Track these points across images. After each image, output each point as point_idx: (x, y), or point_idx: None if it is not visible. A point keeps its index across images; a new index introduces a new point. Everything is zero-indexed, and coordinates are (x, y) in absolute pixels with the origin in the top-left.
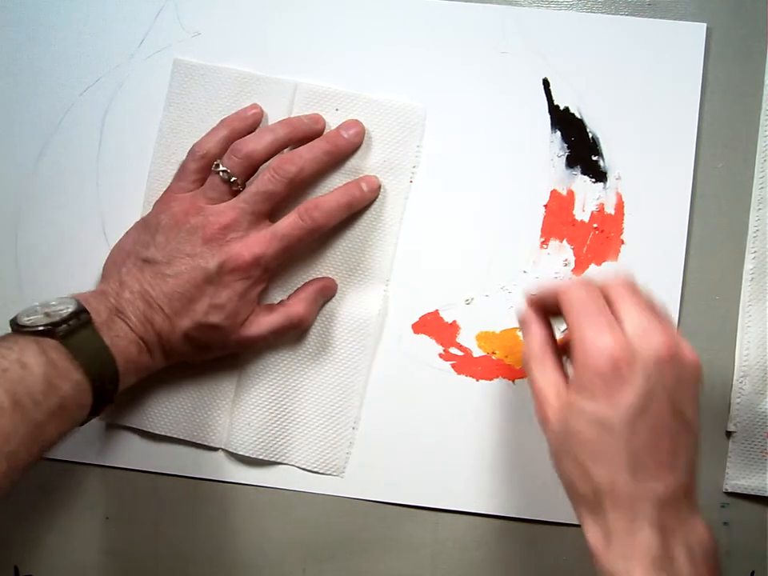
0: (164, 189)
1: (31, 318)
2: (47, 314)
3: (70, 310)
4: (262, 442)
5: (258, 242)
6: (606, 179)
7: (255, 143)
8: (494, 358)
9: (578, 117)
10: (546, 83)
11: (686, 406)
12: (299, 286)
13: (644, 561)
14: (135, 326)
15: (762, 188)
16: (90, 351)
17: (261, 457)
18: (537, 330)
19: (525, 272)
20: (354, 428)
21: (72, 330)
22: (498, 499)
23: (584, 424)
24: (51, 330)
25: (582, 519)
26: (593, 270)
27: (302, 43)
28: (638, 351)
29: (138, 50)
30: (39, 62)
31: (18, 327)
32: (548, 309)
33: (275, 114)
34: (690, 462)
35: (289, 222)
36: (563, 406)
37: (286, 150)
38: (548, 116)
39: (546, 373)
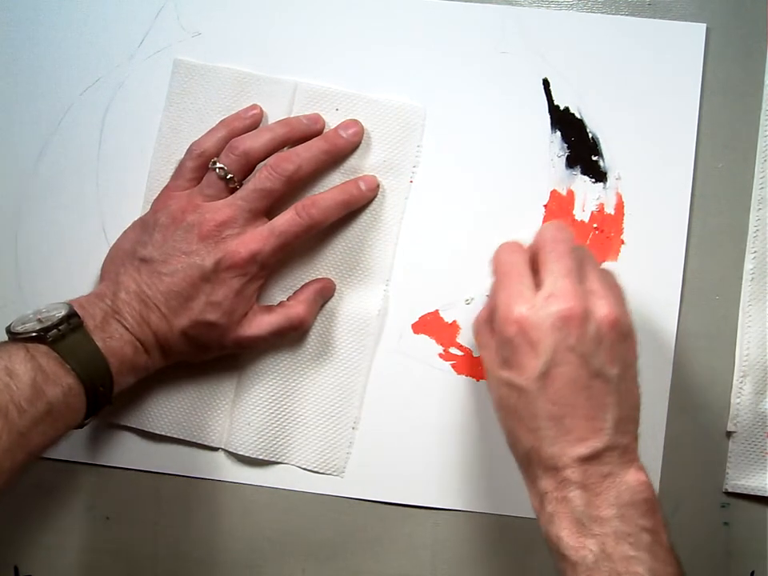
0: None
1: (25, 325)
2: (40, 320)
3: (61, 315)
4: (262, 441)
5: (254, 239)
6: (605, 179)
7: (253, 141)
8: None
9: (578, 117)
10: (545, 83)
11: (602, 362)
12: (299, 285)
13: (570, 523)
14: (131, 326)
15: (762, 188)
16: (80, 354)
17: (261, 457)
18: (488, 301)
19: None
20: (353, 428)
21: (62, 334)
22: (498, 499)
23: (505, 392)
24: (42, 336)
25: (526, 485)
26: None
27: (302, 43)
28: (544, 314)
29: (138, 50)
30: (39, 61)
31: (11, 335)
32: None
33: (275, 114)
34: (619, 419)
35: (286, 219)
36: (493, 377)
37: (285, 149)
38: (548, 116)
39: (484, 340)
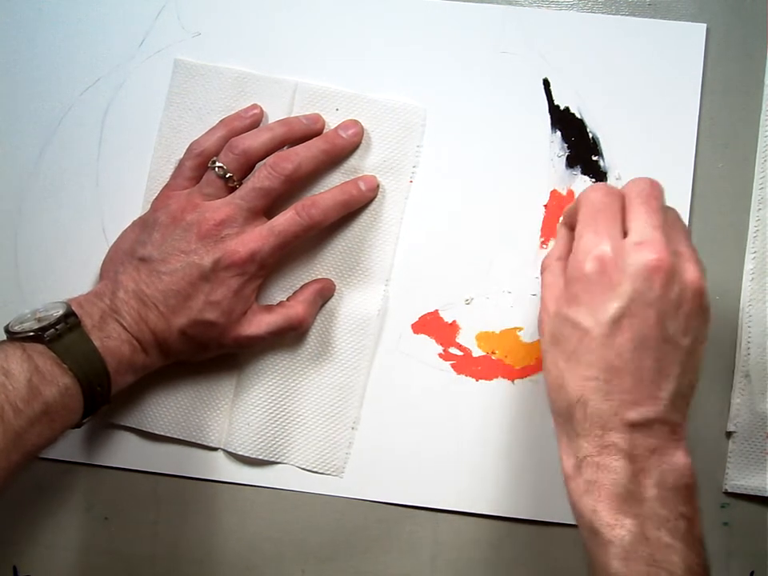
0: None
1: (23, 324)
2: (37, 320)
3: (58, 314)
4: (261, 441)
5: (253, 238)
6: (606, 179)
7: (252, 140)
8: (493, 357)
9: (578, 117)
10: (546, 83)
11: (676, 328)
12: (299, 285)
13: (609, 496)
14: (130, 325)
15: (762, 188)
16: (77, 354)
17: (260, 457)
18: (558, 243)
19: (525, 272)
20: (353, 428)
21: (60, 333)
22: (498, 499)
23: (567, 330)
24: (39, 335)
25: (560, 446)
26: None
27: (302, 43)
28: (630, 260)
29: (138, 50)
30: (39, 61)
31: (9, 334)
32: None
33: (275, 114)
34: (677, 394)
35: (286, 218)
36: (555, 313)
37: (284, 149)
38: (548, 116)
39: (552, 278)
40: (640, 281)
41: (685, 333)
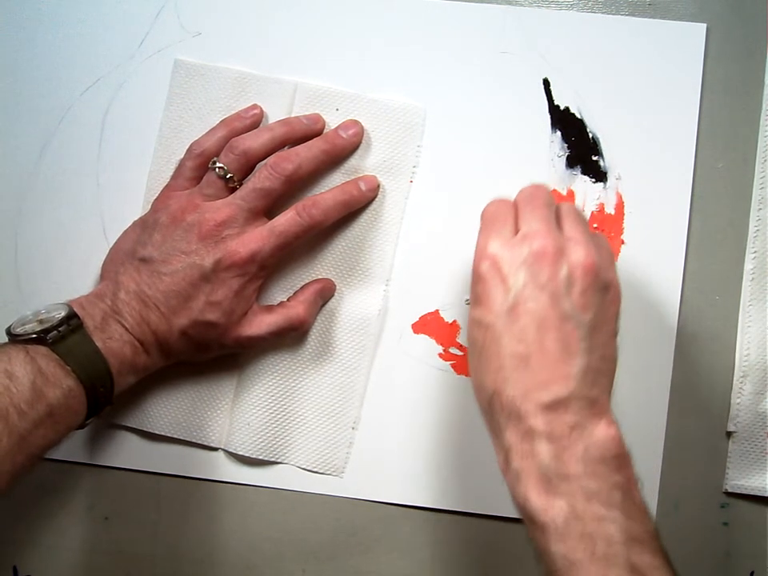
0: None
1: (25, 326)
2: (40, 321)
3: (61, 316)
4: (261, 442)
5: (254, 239)
6: (606, 179)
7: (252, 141)
8: None
9: (578, 117)
10: (546, 83)
11: (573, 306)
12: (299, 285)
13: (537, 481)
14: (131, 326)
15: (762, 188)
16: (80, 356)
17: (260, 457)
18: None
19: None
20: (353, 428)
21: (62, 335)
22: (498, 499)
23: (475, 330)
24: (42, 338)
25: (492, 442)
26: None
27: (302, 43)
28: (518, 252)
29: (138, 50)
30: (39, 61)
31: (11, 337)
32: None
33: (275, 114)
34: (588, 369)
35: (286, 219)
36: (468, 320)
37: (284, 149)
38: (548, 116)
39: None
40: (528, 268)
41: (584, 309)
